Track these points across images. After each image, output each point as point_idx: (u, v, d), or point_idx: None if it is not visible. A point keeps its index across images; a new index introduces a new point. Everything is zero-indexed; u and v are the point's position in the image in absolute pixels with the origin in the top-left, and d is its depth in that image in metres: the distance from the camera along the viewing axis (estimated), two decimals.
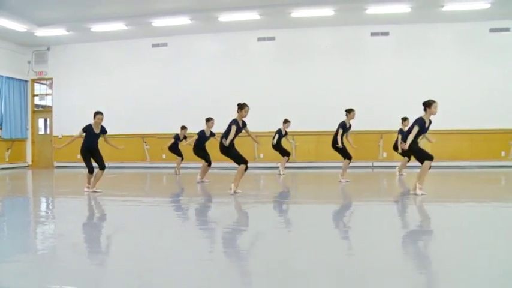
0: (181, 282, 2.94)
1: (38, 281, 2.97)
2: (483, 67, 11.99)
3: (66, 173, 12.60)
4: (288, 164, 10.97)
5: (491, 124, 11.77)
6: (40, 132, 15.27)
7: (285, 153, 10.57)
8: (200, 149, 9.06)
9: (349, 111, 8.41)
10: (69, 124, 13.11)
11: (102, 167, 7.38)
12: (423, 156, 6.47)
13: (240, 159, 6.80)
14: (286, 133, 10.61)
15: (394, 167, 10.34)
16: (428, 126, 6.49)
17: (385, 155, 12.46)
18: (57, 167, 14.22)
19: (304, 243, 3.94)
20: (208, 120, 9.15)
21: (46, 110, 15.18)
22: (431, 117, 6.46)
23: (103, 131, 7.33)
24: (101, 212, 6.22)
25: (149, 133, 13.50)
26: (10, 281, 2.93)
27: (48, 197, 7.94)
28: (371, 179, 10.35)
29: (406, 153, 6.15)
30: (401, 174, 9.67)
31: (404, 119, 9.42)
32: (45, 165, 14.59)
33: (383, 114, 11.19)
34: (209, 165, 9.06)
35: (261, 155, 12.82)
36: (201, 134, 9.11)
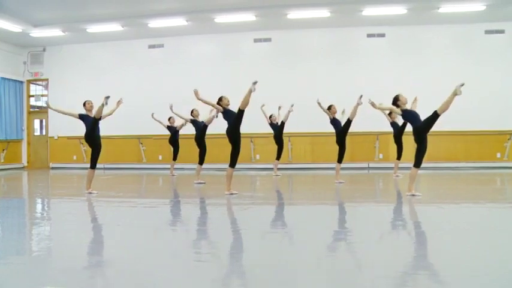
0: (178, 282, 2.94)
1: (33, 282, 2.96)
2: (478, 69, 12.04)
3: (62, 174, 12.56)
4: (283, 166, 10.96)
5: (487, 125, 11.82)
6: (36, 133, 15.22)
7: (278, 152, 10.58)
8: (202, 139, 9.09)
9: (328, 108, 8.92)
10: (65, 125, 13.01)
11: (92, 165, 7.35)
12: (420, 155, 6.44)
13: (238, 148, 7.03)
14: (276, 119, 10.60)
15: (391, 168, 10.38)
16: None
17: (381, 156, 12.48)
18: (53, 168, 14.18)
19: (300, 244, 3.95)
20: (192, 111, 9.33)
21: (42, 111, 15.13)
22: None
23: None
24: (97, 213, 6.20)
25: (145, 134, 13.47)
26: (4, 282, 2.92)
27: (44, 198, 7.91)
28: (367, 180, 10.37)
29: (417, 139, 6.18)
30: (397, 176, 9.69)
31: (390, 113, 9.72)
32: (41, 166, 14.54)
33: (379, 115, 11.17)
34: (200, 162, 9.11)
35: (257, 156, 12.82)
36: (194, 120, 9.24)
